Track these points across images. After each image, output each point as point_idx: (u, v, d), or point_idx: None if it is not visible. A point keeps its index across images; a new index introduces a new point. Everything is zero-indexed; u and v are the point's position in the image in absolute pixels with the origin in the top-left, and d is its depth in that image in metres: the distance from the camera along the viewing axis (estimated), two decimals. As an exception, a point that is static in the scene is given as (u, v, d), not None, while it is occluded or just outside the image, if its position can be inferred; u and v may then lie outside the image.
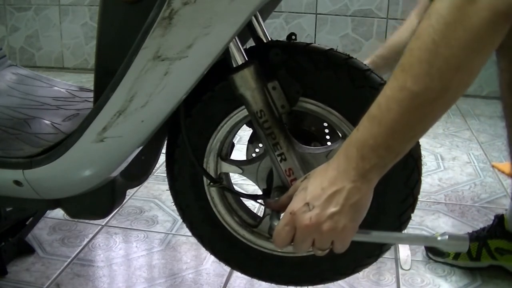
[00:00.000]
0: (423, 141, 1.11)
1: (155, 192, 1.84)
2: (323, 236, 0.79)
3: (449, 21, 0.67)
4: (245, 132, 1.15)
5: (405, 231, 1.08)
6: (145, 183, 1.79)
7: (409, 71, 0.70)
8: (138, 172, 1.15)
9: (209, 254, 1.16)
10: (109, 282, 1.34)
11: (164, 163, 1.09)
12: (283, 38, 1.03)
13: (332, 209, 0.77)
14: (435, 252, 1.43)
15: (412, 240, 0.87)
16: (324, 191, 0.78)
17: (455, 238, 0.80)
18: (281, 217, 0.87)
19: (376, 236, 0.84)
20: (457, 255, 1.40)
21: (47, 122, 1.18)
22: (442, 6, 0.67)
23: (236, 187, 1.22)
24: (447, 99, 0.71)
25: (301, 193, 0.81)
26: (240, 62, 0.92)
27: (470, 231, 1.60)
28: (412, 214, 1.04)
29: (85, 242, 1.52)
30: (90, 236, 1.55)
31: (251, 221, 1.11)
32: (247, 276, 1.19)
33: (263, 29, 1.07)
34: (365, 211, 0.80)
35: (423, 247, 1.52)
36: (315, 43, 1.01)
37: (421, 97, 0.70)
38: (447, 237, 0.80)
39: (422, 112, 0.72)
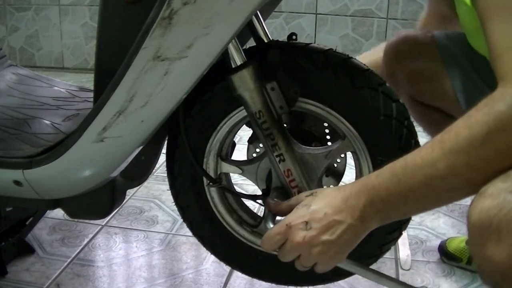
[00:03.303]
0: (423, 141, 1.11)
1: (155, 192, 1.84)
2: (309, 256, 0.80)
3: (508, 128, 0.66)
4: (245, 132, 1.15)
5: (405, 232, 1.08)
6: (145, 183, 1.79)
7: (446, 154, 0.70)
8: (138, 172, 1.15)
9: (209, 254, 1.16)
10: (109, 282, 1.34)
11: (164, 163, 1.09)
12: (283, 38, 1.03)
13: (327, 236, 0.78)
14: (449, 257, 1.44)
15: (391, 283, 0.88)
16: (326, 216, 0.79)
17: None
18: (276, 221, 0.88)
19: (359, 270, 0.86)
20: (470, 260, 1.40)
21: (47, 122, 1.18)
22: (505, 111, 0.66)
23: (236, 187, 1.22)
24: (469, 192, 0.71)
25: (303, 209, 0.82)
26: (239, 63, 0.92)
27: (470, 231, 1.60)
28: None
29: (85, 242, 1.52)
30: (90, 236, 1.55)
31: (251, 221, 1.12)
32: (247, 276, 1.19)
33: (264, 29, 1.07)
34: (353, 247, 0.81)
35: (425, 245, 1.52)
36: (315, 43, 1.01)
37: (447, 181, 0.70)
38: None
39: (442, 194, 0.72)
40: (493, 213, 0.63)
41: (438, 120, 1.33)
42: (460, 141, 0.69)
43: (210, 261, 1.43)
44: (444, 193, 0.72)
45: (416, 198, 0.74)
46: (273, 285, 1.24)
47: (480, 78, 1.21)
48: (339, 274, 1.11)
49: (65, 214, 1.12)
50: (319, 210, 0.79)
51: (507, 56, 0.71)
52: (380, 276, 0.87)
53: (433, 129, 1.36)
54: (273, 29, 3.12)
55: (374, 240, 1.02)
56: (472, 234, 0.66)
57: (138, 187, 1.77)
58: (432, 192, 0.72)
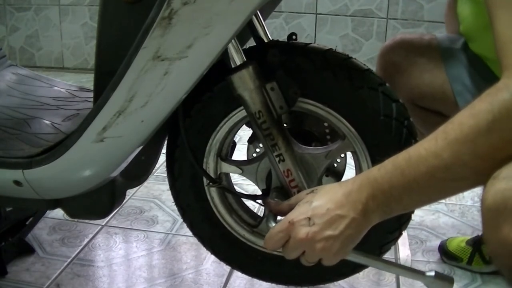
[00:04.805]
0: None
1: (155, 192, 1.84)
2: (313, 252, 0.80)
3: None
4: (245, 132, 1.15)
5: (405, 232, 1.08)
6: (145, 183, 1.79)
7: (451, 144, 0.69)
8: (138, 172, 1.15)
9: (209, 254, 1.16)
10: (109, 282, 1.34)
11: (164, 163, 1.09)
12: (283, 38, 1.03)
13: (330, 231, 0.78)
14: (449, 257, 1.44)
15: (399, 270, 0.88)
16: (328, 212, 0.78)
17: (440, 278, 0.80)
18: (277, 220, 0.87)
19: (365, 260, 0.86)
20: (471, 260, 1.40)
21: (47, 122, 1.18)
22: (508, 99, 0.66)
23: (236, 187, 1.22)
24: (475, 182, 0.71)
25: (305, 206, 0.81)
26: (238, 63, 0.92)
27: (470, 231, 1.60)
28: (412, 215, 1.04)
29: (85, 242, 1.51)
30: (90, 236, 1.55)
31: (251, 221, 1.12)
32: (247, 276, 1.19)
33: (264, 28, 1.07)
34: (357, 242, 0.81)
35: (426, 244, 1.52)
36: (315, 43, 1.01)
37: (452, 171, 0.70)
38: (433, 274, 0.80)
39: (447, 184, 0.72)
40: (508, 195, 0.63)
41: (439, 123, 1.33)
42: (465, 130, 0.68)
43: (210, 261, 1.43)
44: (450, 183, 0.72)
45: (420, 189, 0.73)
46: (273, 285, 1.24)
47: (484, 82, 1.21)
48: (340, 274, 1.11)
49: (65, 214, 1.12)
50: (321, 205, 0.79)
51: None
52: (388, 264, 0.87)
53: None
54: (273, 29, 3.12)
55: (374, 240, 1.02)
56: (487, 217, 0.66)
57: (138, 187, 1.77)
58: (437, 183, 0.72)
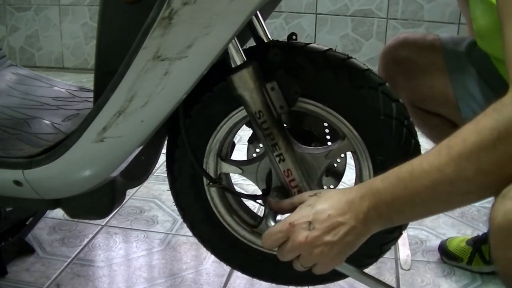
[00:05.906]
0: (423, 140, 1.11)
1: (155, 192, 1.84)
2: (310, 257, 0.80)
3: None
4: (245, 132, 1.15)
5: (405, 232, 1.08)
6: (145, 183, 1.79)
7: (454, 159, 0.69)
8: (138, 172, 1.15)
9: (209, 254, 1.16)
10: (109, 282, 1.34)
11: (164, 163, 1.09)
12: (283, 38, 1.03)
13: (329, 237, 0.78)
14: (449, 257, 1.43)
15: None
16: (329, 218, 0.78)
17: None
18: (276, 219, 0.87)
19: (355, 274, 0.87)
20: (471, 260, 1.40)
21: (47, 122, 1.18)
22: None
23: (236, 187, 1.22)
24: (482, 196, 0.70)
25: (307, 209, 0.82)
26: (239, 63, 0.92)
27: (470, 231, 1.60)
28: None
29: (85, 242, 1.52)
30: (90, 236, 1.55)
31: (251, 221, 1.12)
32: (247, 276, 1.19)
33: (264, 28, 1.07)
34: (355, 249, 0.81)
35: (425, 245, 1.52)
36: (314, 43, 1.01)
37: (456, 186, 0.70)
38: None
39: (451, 197, 0.72)
40: None
41: (439, 125, 1.32)
42: (469, 146, 0.68)
43: (210, 261, 1.43)
44: (454, 197, 0.72)
45: (423, 203, 0.73)
46: (273, 285, 1.24)
47: (487, 85, 1.20)
48: (339, 274, 1.11)
49: (65, 214, 1.12)
50: (323, 211, 0.79)
51: None
52: (376, 282, 0.88)
53: (434, 134, 1.35)
54: (273, 29, 3.12)
55: (374, 239, 1.02)
56: (497, 237, 0.65)
57: (138, 187, 1.77)
58: (440, 197, 0.72)
